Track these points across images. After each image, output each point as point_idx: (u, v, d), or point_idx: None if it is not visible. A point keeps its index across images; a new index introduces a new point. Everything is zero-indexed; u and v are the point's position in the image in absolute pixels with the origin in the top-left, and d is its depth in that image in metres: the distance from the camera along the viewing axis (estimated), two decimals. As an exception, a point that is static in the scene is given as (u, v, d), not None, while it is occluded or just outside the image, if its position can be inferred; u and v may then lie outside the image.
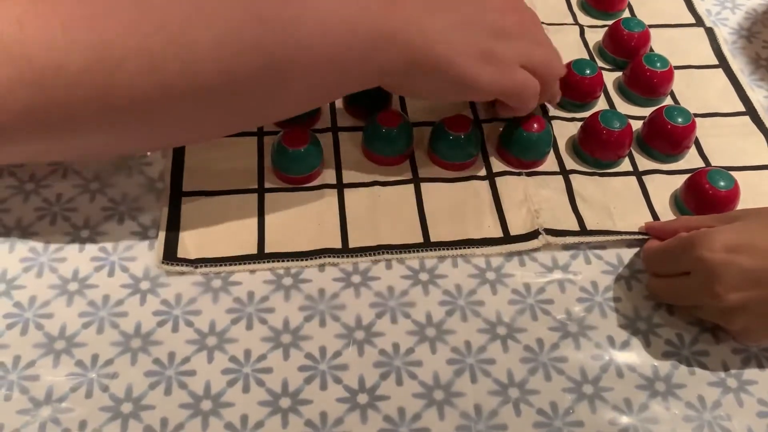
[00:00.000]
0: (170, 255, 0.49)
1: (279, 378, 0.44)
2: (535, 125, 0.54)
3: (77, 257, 0.49)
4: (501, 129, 0.57)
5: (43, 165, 0.53)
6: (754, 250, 0.42)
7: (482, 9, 0.49)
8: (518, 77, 0.49)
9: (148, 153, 0.54)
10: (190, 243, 0.49)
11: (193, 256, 0.49)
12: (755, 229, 0.44)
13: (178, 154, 0.54)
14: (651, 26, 0.65)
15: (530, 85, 0.50)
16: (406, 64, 0.45)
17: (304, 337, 0.46)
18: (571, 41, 0.66)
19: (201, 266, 0.48)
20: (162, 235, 0.50)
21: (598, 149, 0.55)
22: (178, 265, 0.48)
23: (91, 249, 0.49)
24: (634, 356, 0.47)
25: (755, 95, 0.62)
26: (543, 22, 0.66)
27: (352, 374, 0.45)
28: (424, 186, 0.54)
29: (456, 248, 0.51)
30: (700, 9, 0.70)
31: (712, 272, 0.43)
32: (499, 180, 0.55)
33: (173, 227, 0.50)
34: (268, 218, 0.51)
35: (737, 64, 0.65)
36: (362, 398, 0.44)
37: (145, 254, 0.49)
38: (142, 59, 0.38)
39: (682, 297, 0.48)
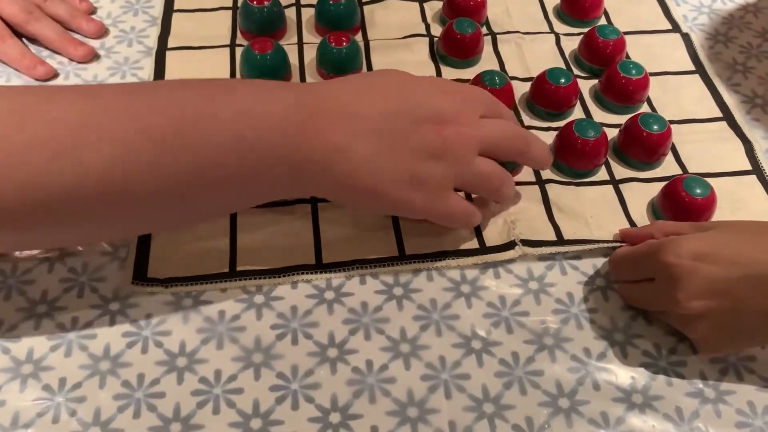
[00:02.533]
0: (140, 275, 0.48)
1: (250, 398, 0.43)
2: (510, 135, 0.54)
3: (46, 279, 0.48)
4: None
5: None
6: (720, 259, 0.42)
7: (413, 125, 0.43)
8: (449, 203, 0.46)
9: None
10: (161, 262, 0.49)
11: (163, 276, 0.48)
12: (724, 239, 0.44)
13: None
14: (627, 33, 0.65)
15: (462, 210, 0.47)
16: (333, 190, 0.44)
17: (276, 356, 0.45)
18: (547, 49, 0.66)
19: (171, 285, 0.48)
20: (132, 254, 0.49)
21: (573, 159, 0.55)
22: (148, 284, 0.48)
23: (60, 270, 0.48)
24: (610, 368, 0.46)
25: (732, 100, 0.62)
26: (518, 31, 0.66)
27: (325, 393, 0.44)
28: (399, 199, 0.54)
29: (432, 260, 0.50)
30: (677, 15, 0.70)
31: (677, 278, 0.42)
32: (474, 191, 0.54)
33: (144, 246, 0.49)
34: (240, 235, 0.51)
35: (714, 70, 0.65)
36: (335, 417, 0.43)
37: (115, 274, 0.49)
38: (19, 173, 0.36)
39: (647, 302, 0.47)
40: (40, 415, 0.42)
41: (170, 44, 0.63)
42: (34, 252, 0.49)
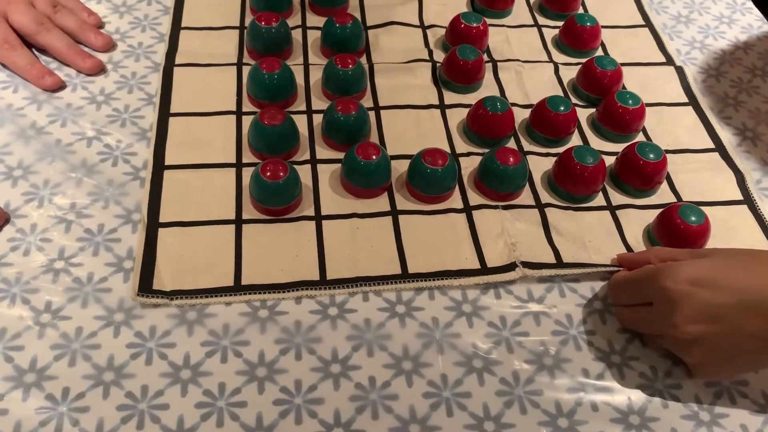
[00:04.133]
0: (145, 287, 0.48)
1: (253, 412, 0.44)
2: (511, 159, 0.55)
3: (50, 289, 0.48)
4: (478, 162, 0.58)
5: (17, 195, 0.53)
6: (717, 286, 0.43)
7: None
8: None
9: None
10: (166, 275, 0.49)
11: (168, 288, 0.48)
12: (720, 266, 0.45)
13: (156, 185, 0.54)
14: (623, 64, 0.67)
15: None
16: None
17: (280, 370, 0.46)
18: (546, 78, 0.68)
19: (176, 298, 0.48)
20: (137, 266, 0.49)
21: (572, 184, 0.56)
22: (153, 297, 0.48)
23: (65, 280, 0.49)
24: (608, 389, 0.47)
25: (724, 132, 0.64)
26: (518, 60, 0.68)
27: (328, 408, 0.44)
28: (402, 218, 0.55)
29: (434, 279, 0.51)
30: (671, 48, 0.72)
31: (674, 303, 0.44)
32: (476, 213, 0.55)
33: (149, 259, 0.50)
34: (246, 250, 0.51)
35: (706, 102, 0.67)
36: (337, 432, 0.43)
37: (120, 286, 0.49)
38: None
39: (645, 325, 0.49)
40: (43, 424, 0.42)
41: (177, 60, 0.64)
42: (39, 261, 0.49)
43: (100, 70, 0.63)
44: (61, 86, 0.61)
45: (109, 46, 0.65)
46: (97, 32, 0.65)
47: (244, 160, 0.57)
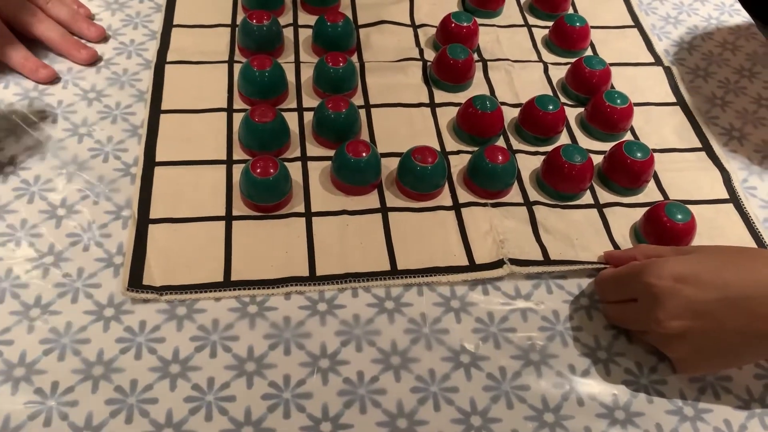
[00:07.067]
0: (135, 282, 0.49)
1: (242, 406, 0.44)
2: (500, 157, 0.56)
3: (40, 283, 0.48)
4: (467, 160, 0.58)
5: (8, 190, 0.53)
6: (700, 282, 0.44)
7: None
8: None
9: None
10: (156, 270, 0.49)
11: (158, 284, 0.49)
12: (704, 262, 0.45)
13: (146, 181, 0.54)
14: (612, 64, 0.68)
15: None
16: None
17: (269, 365, 0.46)
18: (535, 78, 0.68)
19: (166, 293, 0.48)
20: (128, 262, 0.49)
21: (560, 182, 0.57)
22: (143, 292, 0.48)
23: (55, 275, 0.49)
24: (594, 385, 0.47)
25: (711, 132, 0.65)
26: (508, 59, 0.69)
27: (316, 403, 0.45)
28: (391, 215, 0.55)
29: (422, 276, 0.51)
30: (659, 49, 0.73)
31: (657, 298, 0.44)
32: (465, 210, 0.56)
33: (139, 254, 0.50)
34: (236, 246, 0.52)
35: (694, 103, 0.68)
36: (325, 427, 0.44)
37: (110, 281, 0.49)
38: None
39: (630, 321, 0.49)
40: (32, 418, 0.42)
41: (169, 58, 0.64)
42: (30, 256, 0.50)
43: (95, 60, 0.63)
44: (55, 78, 0.61)
45: (102, 37, 0.65)
46: (90, 23, 0.65)
47: (235, 157, 0.57)
